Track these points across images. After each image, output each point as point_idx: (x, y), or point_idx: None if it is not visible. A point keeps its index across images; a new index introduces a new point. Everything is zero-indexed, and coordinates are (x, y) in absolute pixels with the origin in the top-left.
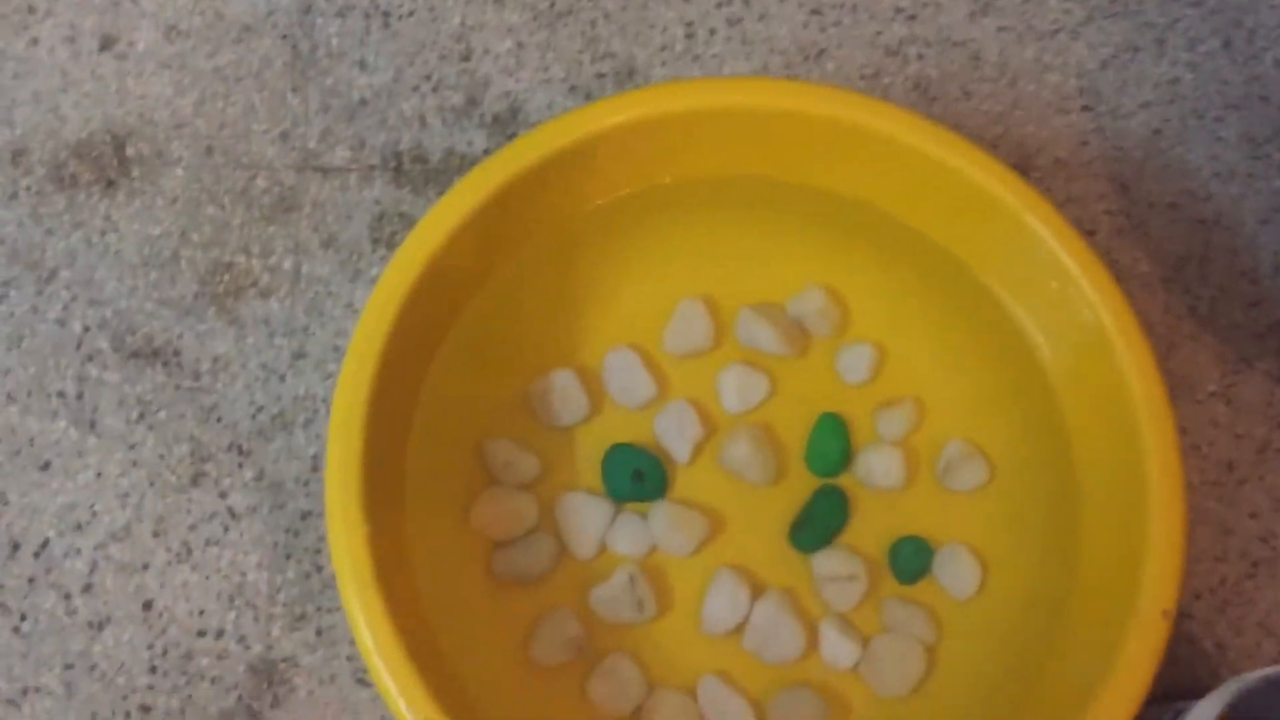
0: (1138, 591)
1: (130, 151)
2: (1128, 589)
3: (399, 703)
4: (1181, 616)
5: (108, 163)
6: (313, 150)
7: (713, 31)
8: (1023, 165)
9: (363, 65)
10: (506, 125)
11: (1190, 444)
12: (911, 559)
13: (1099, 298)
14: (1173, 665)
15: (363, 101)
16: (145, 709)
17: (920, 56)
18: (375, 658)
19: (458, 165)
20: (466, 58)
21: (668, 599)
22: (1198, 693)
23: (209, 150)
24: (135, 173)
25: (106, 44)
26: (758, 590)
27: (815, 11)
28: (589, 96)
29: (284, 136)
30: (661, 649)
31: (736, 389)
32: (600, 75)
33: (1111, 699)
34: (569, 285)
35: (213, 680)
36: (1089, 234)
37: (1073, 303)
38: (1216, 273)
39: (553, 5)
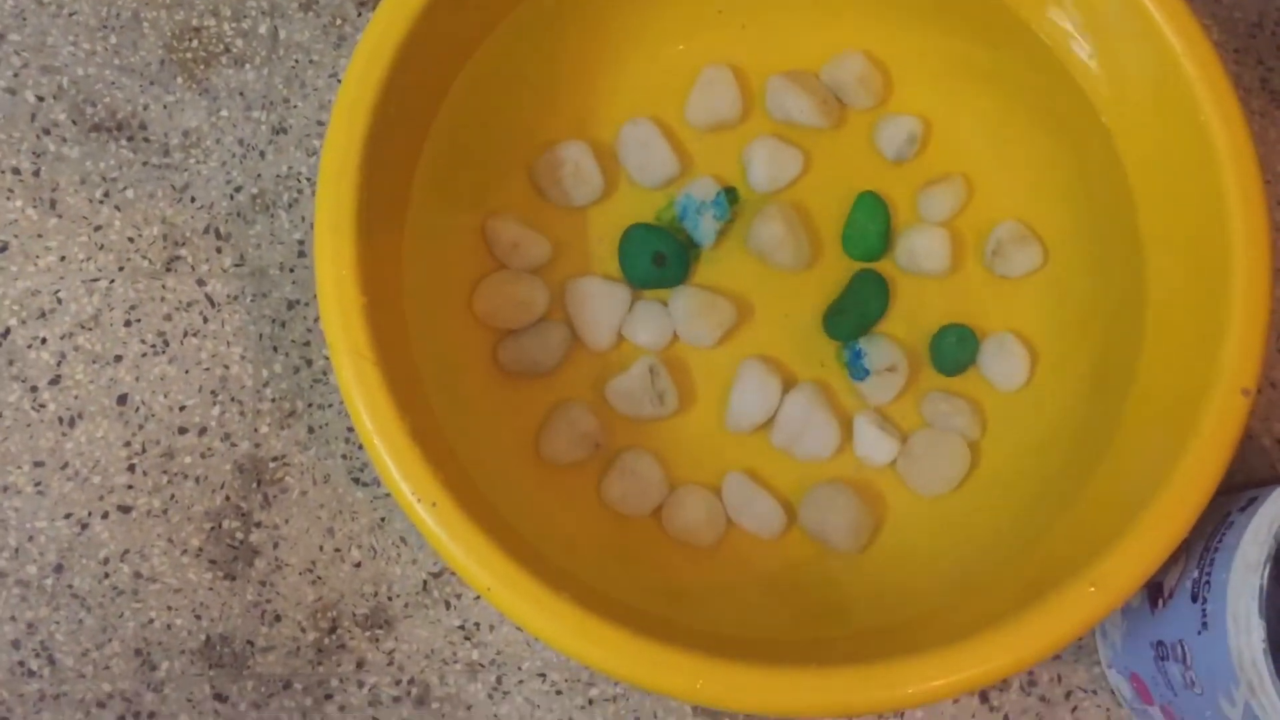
0: (1217, 368)
1: None
2: (1204, 368)
3: (402, 486)
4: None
5: None
6: None
7: None
8: None
9: None
10: None
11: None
12: (955, 348)
13: (1179, 39)
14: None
15: None
16: (124, 509)
17: None
18: (376, 439)
19: None
20: None
21: (690, 393)
22: (1268, 483)
23: None
24: None
25: None
26: (788, 383)
27: None
28: None
29: None
30: (683, 446)
31: (766, 165)
32: None
33: (1186, 481)
34: (579, 48)
35: (197, 480)
36: None
37: (1146, 46)
38: None
39: None
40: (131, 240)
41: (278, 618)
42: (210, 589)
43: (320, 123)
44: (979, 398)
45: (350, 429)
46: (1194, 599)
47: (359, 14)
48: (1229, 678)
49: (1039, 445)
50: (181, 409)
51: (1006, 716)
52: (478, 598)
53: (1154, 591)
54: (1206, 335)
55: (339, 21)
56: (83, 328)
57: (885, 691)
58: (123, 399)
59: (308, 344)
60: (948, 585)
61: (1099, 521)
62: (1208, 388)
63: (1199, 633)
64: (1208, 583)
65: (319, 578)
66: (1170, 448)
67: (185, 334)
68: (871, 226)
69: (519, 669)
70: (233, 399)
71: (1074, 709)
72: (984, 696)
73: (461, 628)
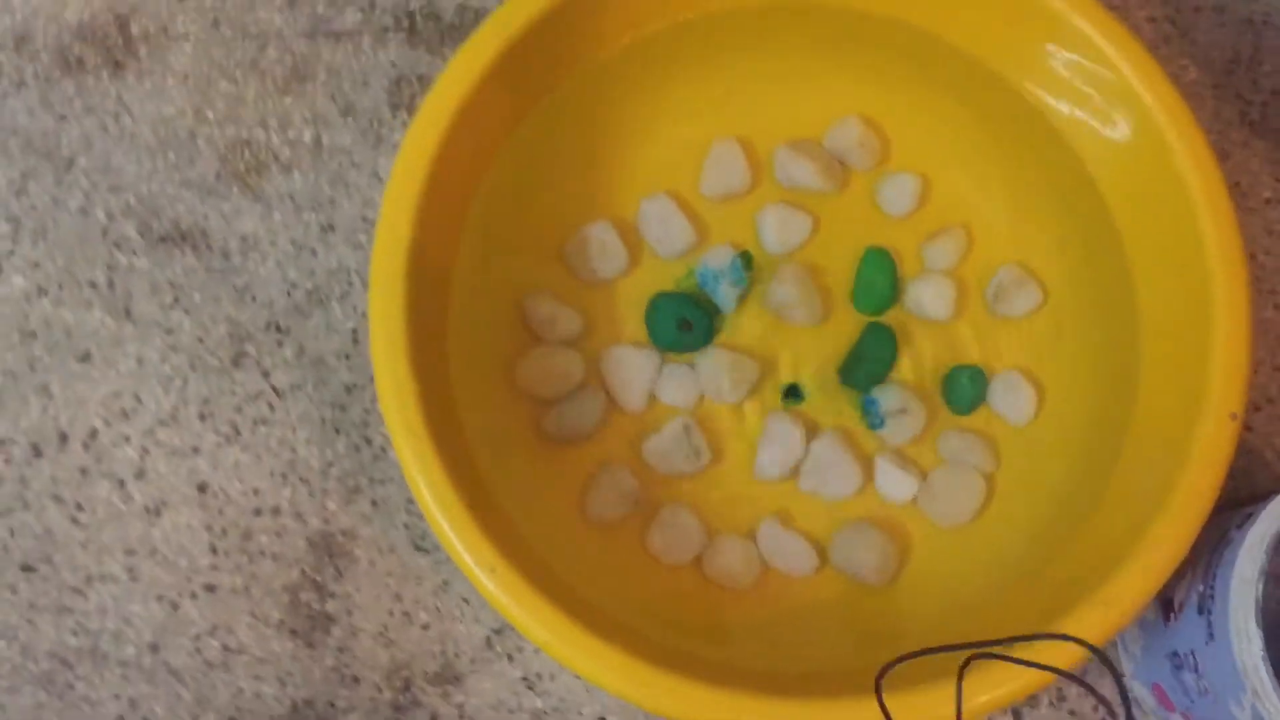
0: (1204, 395)
1: (135, 30)
2: (1194, 395)
3: (462, 554)
4: (1241, 429)
5: (113, 43)
6: (322, 15)
7: None
8: None
9: None
10: None
11: (1246, 253)
12: (966, 388)
13: (1150, 94)
14: (1233, 477)
15: None
16: (210, 588)
17: None
18: (436, 511)
19: (472, 19)
20: None
21: (720, 446)
22: (1266, 498)
23: (215, 23)
24: (142, 52)
25: None
26: (811, 431)
27: None
28: None
29: (291, 3)
30: (718, 497)
31: (777, 229)
32: None
33: (1182, 503)
34: (598, 133)
35: (274, 557)
36: None
37: (1121, 102)
38: (1268, 76)
39: None
40: (200, 340)
41: (356, 680)
42: (293, 657)
43: (365, 219)
44: (992, 433)
45: (410, 500)
46: (1200, 612)
47: (393, 115)
48: (1236, 684)
49: (1050, 474)
50: (256, 492)
51: None
52: (538, 650)
53: (1165, 605)
54: (1194, 365)
55: (376, 124)
56: (162, 424)
57: (927, 713)
58: (202, 487)
59: (366, 424)
60: (971, 611)
61: (1108, 543)
62: (1198, 414)
63: (1207, 643)
64: (1212, 596)
65: (391, 640)
66: (1168, 472)
67: (255, 423)
68: (880, 280)
69: (580, 714)
70: (301, 480)
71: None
72: (1016, 714)
73: (524, 679)
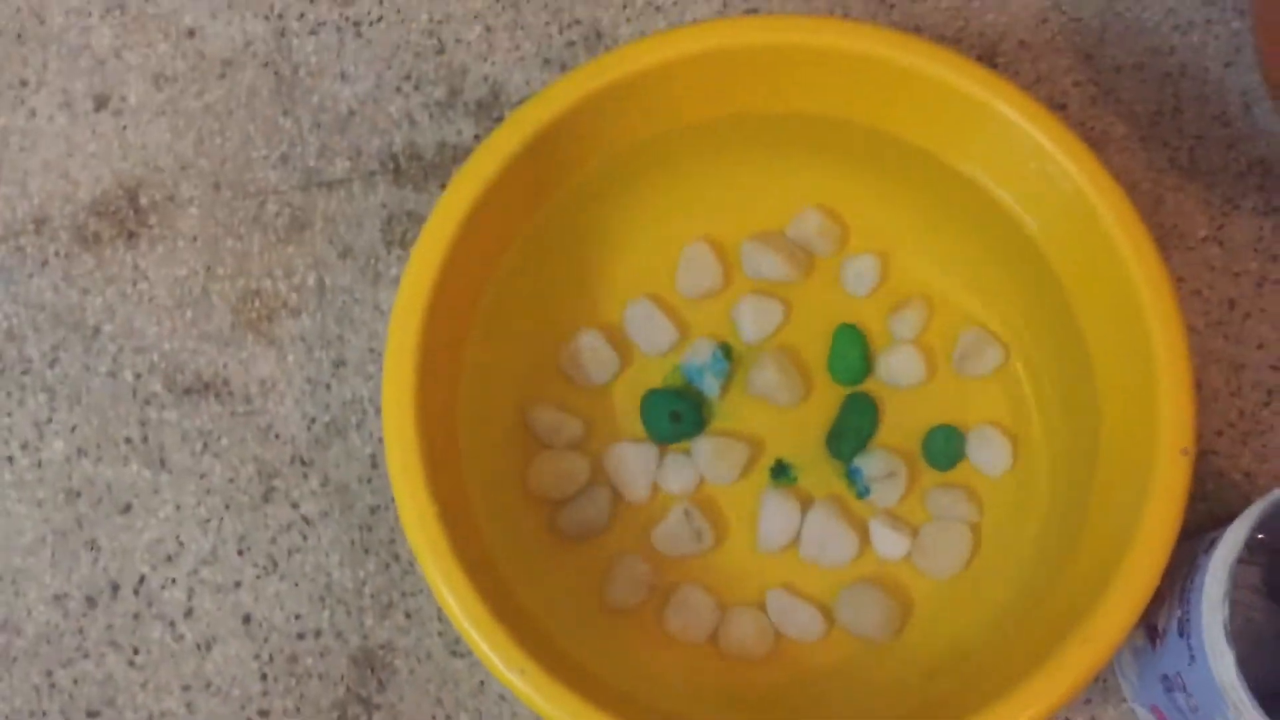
0: (1156, 435)
1: (144, 201)
2: (1147, 435)
3: (493, 659)
4: (1208, 454)
5: (125, 216)
6: (313, 167)
7: None
8: (989, 53)
9: (344, 77)
10: (490, 108)
11: (1190, 290)
12: (945, 446)
13: (1075, 166)
14: (1205, 500)
15: (351, 112)
16: (264, 713)
17: None
18: (465, 623)
19: (452, 155)
20: (440, 51)
21: (724, 525)
22: (1230, 521)
23: (217, 185)
24: (153, 220)
25: (100, 103)
26: (805, 503)
27: None
28: (563, 66)
29: (284, 159)
30: (726, 573)
31: (752, 319)
32: (570, 44)
33: (1147, 538)
34: (580, 248)
35: (320, 677)
36: (1061, 108)
37: (1051, 175)
38: (1190, 122)
39: None
40: (232, 480)
41: None
42: None
43: (372, 350)
44: (973, 485)
45: (441, 610)
46: (1181, 635)
47: (388, 252)
48: (1220, 701)
49: (1030, 520)
50: (297, 618)
51: None
52: None
53: (1151, 631)
54: (1145, 407)
55: (373, 262)
56: (204, 564)
57: None
58: (247, 619)
59: (393, 541)
60: (969, 656)
61: (1087, 581)
62: (1153, 452)
63: (1190, 665)
64: (1188, 619)
65: None
66: (1133, 508)
67: (289, 552)
68: (852, 354)
69: None
70: (338, 601)
71: None
72: None
73: None
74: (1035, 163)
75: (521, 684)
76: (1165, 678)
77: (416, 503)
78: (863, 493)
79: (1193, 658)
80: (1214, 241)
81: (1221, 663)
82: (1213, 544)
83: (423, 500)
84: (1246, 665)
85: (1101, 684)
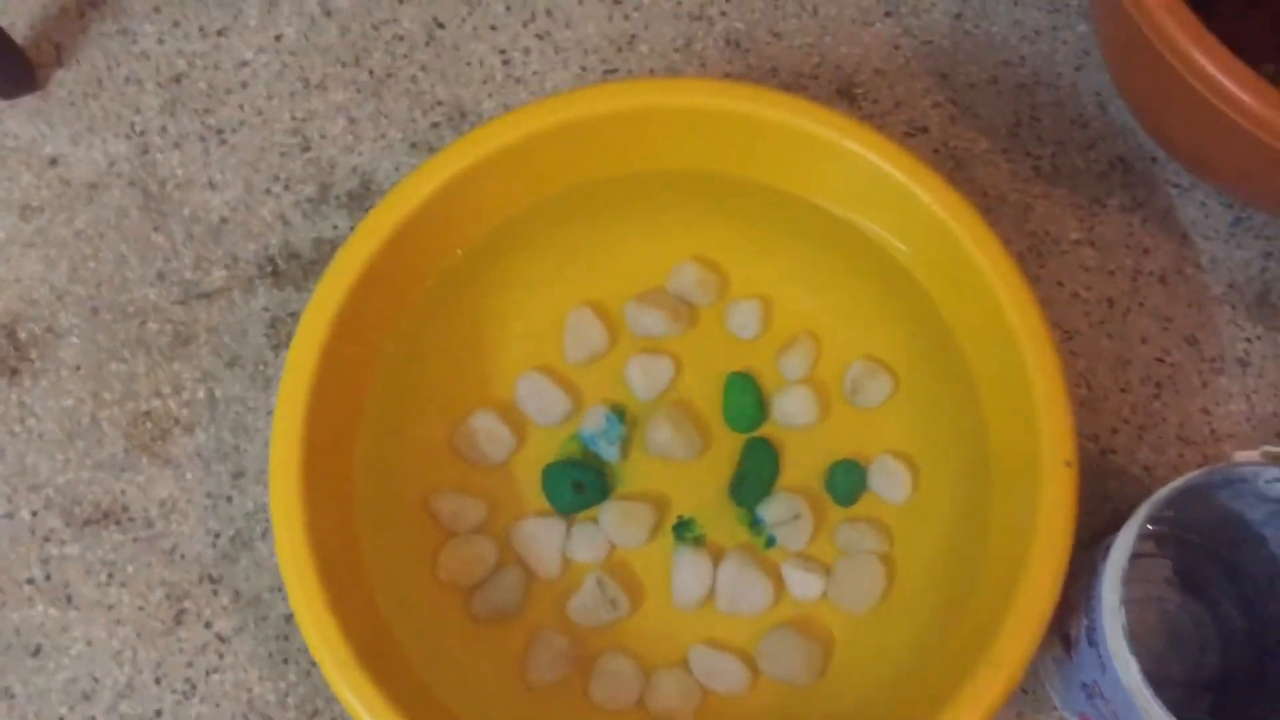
0: (1039, 450)
1: (23, 335)
2: (1032, 450)
3: None
4: (1106, 453)
5: (5, 353)
6: (191, 280)
7: (526, 51)
8: (846, 86)
9: (212, 185)
10: (363, 199)
11: (1069, 293)
12: (846, 480)
13: (927, 193)
14: (1109, 500)
15: (223, 219)
16: None
17: (724, 14)
18: None
19: (329, 251)
20: (306, 148)
21: (639, 589)
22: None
23: (95, 310)
24: (33, 354)
25: None
26: (717, 555)
27: (615, 2)
28: (430, 149)
29: (160, 276)
30: (647, 635)
31: (643, 377)
32: (435, 125)
33: (1042, 549)
34: (463, 328)
35: None
36: (922, 130)
37: (908, 204)
38: (1049, 129)
39: (371, 74)
40: (141, 608)
41: None
42: None
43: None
44: (879, 515)
45: None
46: (1091, 644)
47: (276, 356)
48: (1132, 706)
49: (936, 543)
50: None
51: None
52: None
53: (1065, 641)
54: (1026, 424)
55: (262, 367)
56: (121, 697)
57: None
58: None
59: None
60: (893, 688)
61: (992, 602)
62: (1038, 467)
63: (1103, 672)
64: (1094, 628)
65: None
66: (1026, 523)
67: (207, 673)
68: (746, 401)
69: None
70: (262, 716)
71: None
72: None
73: None
74: (892, 194)
75: None
76: (1084, 685)
77: (315, 614)
78: (769, 543)
79: (1103, 666)
80: (1086, 243)
81: (1127, 670)
82: (1108, 550)
83: (320, 610)
84: (1166, 659)
85: (1032, 695)
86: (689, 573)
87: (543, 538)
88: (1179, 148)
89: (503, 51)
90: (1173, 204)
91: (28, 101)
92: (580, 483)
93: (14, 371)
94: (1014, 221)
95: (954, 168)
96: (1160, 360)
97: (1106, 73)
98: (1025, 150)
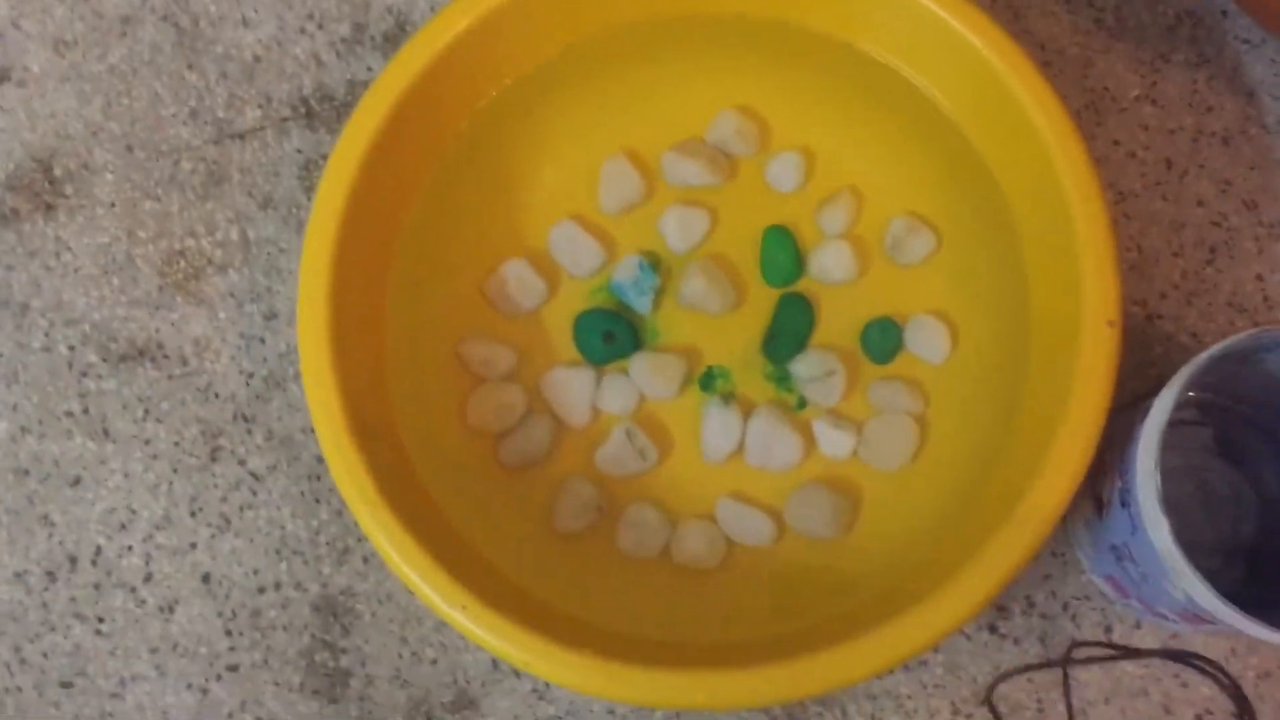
0: (1082, 309)
1: (58, 171)
2: (1074, 310)
3: (432, 598)
4: (1154, 318)
5: (41, 188)
6: (224, 119)
7: None
8: None
9: (246, 23)
10: (398, 40)
11: (1126, 152)
12: (882, 339)
13: (983, 43)
14: (1154, 366)
15: (256, 58)
16: (233, 668)
17: None
18: (401, 565)
19: (363, 93)
20: None
21: (668, 440)
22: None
23: (129, 148)
24: (69, 190)
25: (2, 76)
26: (748, 410)
27: None
28: None
29: (193, 114)
30: (674, 487)
31: (678, 229)
32: None
33: (1078, 412)
34: (496, 174)
35: (284, 628)
36: None
37: (961, 52)
38: None
39: None
40: (177, 444)
41: None
42: (320, 715)
43: None
44: (915, 375)
45: None
46: (1123, 505)
47: (309, 199)
48: (1162, 567)
49: (973, 403)
50: (255, 572)
51: (1017, 640)
52: None
53: (1097, 503)
54: (1070, 282)
55: (295, 210)
56: (158, 528)
57: (876, 660)
58: (206, 578)
59: None
60: (920, 545)
61: (1027, 458)
62: (1079, 327)
63: (1133, 534)
64: (1129, 490)
65: (405, 681)
66: (1064, 383)
67: (241, 509)
68: (782, 255)
69: (591, 711)
70: (294, 552)
71: (1073, 616)
72: (992, 628)
73: (534, 690)
74: (944, 42)
75: (465, 620)
76: (1114, 548)
77: (343, 454)
78: (801, 404)
79: (1134, 527)
80: (1147, 100)
81: (1158, 530)
82: (1147, 412)
83: (349, 451)
84: (1201, 527)
85: (1061, 559)
86: (719, 425)
87: (573, 387)
88: None
89: None
90: (1241, 61)
91: None
92: (611, 333)
93: (50, 207)
94: (1072, 77)
95: (1012, 19)
96: (1216, 224)
97: None
98: (1088, 2)
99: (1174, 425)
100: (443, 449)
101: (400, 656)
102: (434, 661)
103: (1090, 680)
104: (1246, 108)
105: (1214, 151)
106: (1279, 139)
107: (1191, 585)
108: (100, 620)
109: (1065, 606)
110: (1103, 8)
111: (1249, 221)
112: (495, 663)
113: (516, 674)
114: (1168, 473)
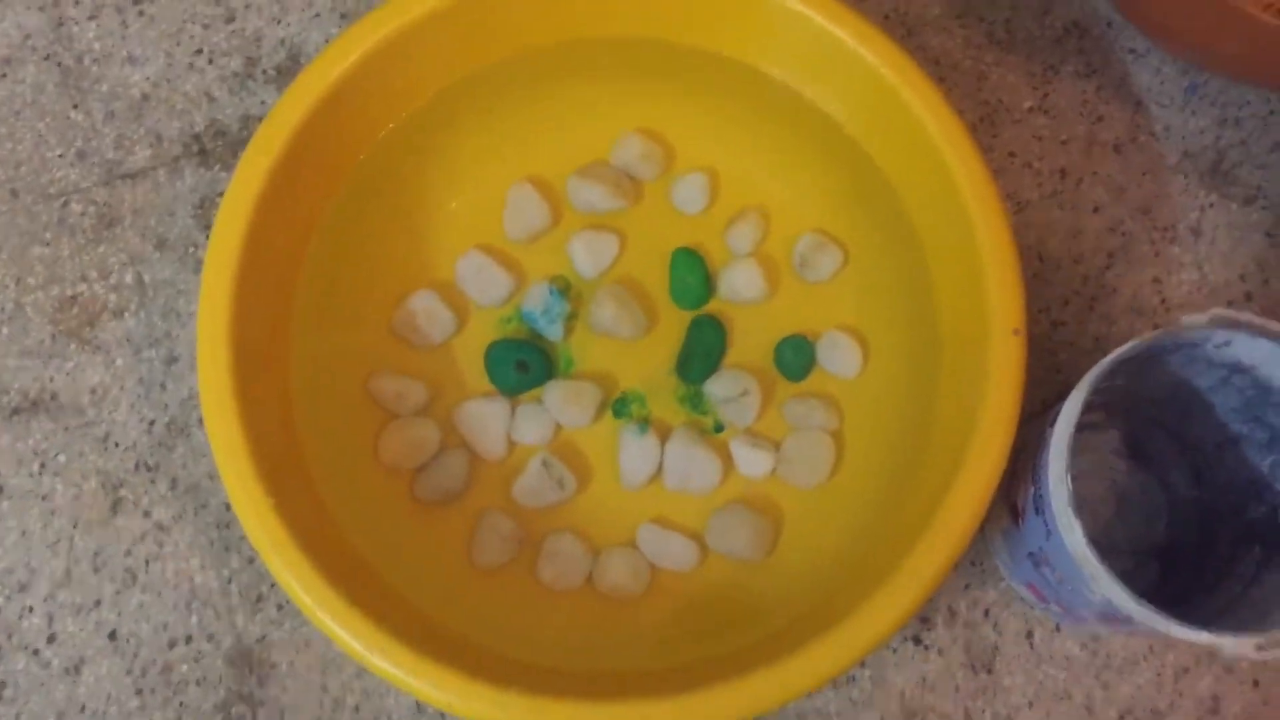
0: (988, 318)
1: None
2: (980, 319)
3: (354, 645)
4: (1057, 324)
5: None
6: (113, 159)
7: None
8: None
9: (132, 60)
10: (290, 73)
11: (1022, 163)
12: (795, 356)
13: (879, 59)
14: (1059, 372)
15: (144, 96)
16: None
17: None
18: (319, 614)
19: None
20: (230, 19)
21: (586, 469)
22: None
23: (14, 192)
24: None
25: None
26: (664, 434)
27: None
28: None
29: (81, 155)
30: (594, 516)
31: (587, 254)
32: None
33: (990, 419)
34: (400, 206)
35: (198, 682)
36: None
37: (858, 72)
38: None
39: None
40: (76, 498)
41: None
42: None
43: None
44: (829, 391)
45: None
46: (1038, 512)
47: (205, 237)
48: (1079, 572)
49: (886, 417)
50: (165, 627)
51: (941, 651)
52: None
53: (1013, 511)
54: (975, 292)
55: (192, 249)
56: (59, 587)
57: (803, 680)
58: (112, 635)
59: None
60: (842, 563)
61: (940, 472)
62: (987, 336)
63: (1048, 539)
64: (1042, 496)
65: None
66: (974, 393)
67: (148, 562)
68: (691, 278)
69: None
70: (205, 603)
71: (995, 624)
72: (916, 639)
73: None
74: (840, 60)
75: (383, 663)
76: (1031, 555)
77: (251, 499)
78: (718, 428)
79: (1049, 532)
80: (1040, 111)
81: (1071, 534)
82: (1056, 418)
83: (256, 495)
84: (1113, 528)
85: (980, 568)
86: (635, 452)
87: (487, 419)
88: (1138, 8)
89: None
90: (1128, 70)
91: None
92: (524, 362)
93: None
94: (967, 90)
95: (905, 35)
96: (1112, 230)
97: None
98: (979, 16)
99: (1083, 429)
100: (356, 487)
101: (321, 705)
102: (356, 708)
103: (1014, 686)
104: (1135, 116)
105: (1106, 159)
106: (1168, 145)
107: (1107, 587)
108: (2, 685)
109: (987, 614)
110: (994, 21)
111: (1144, 226)
112: (419, 706)
113: (442, 716)
114: (1079, 476)
